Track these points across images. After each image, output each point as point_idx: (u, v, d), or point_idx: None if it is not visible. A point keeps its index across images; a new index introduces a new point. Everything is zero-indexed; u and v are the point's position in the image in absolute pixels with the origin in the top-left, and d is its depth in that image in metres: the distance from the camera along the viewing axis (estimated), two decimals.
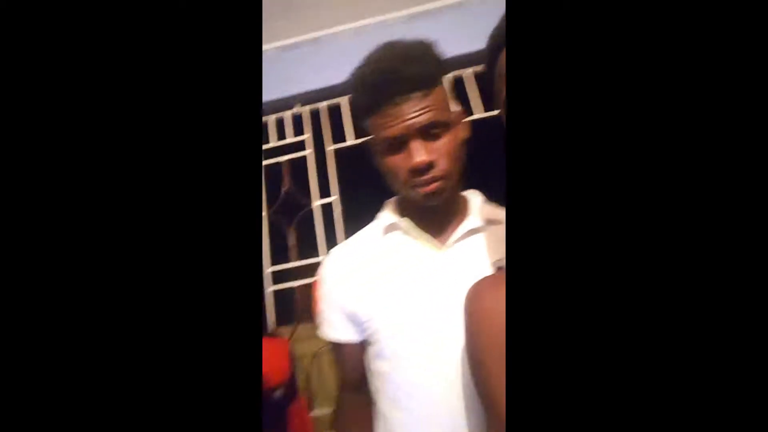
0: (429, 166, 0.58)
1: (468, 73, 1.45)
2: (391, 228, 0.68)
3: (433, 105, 0.58)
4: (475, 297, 0.44)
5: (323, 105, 1.49)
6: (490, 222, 0.66)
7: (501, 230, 0.63)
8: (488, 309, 0.42)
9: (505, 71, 0.42)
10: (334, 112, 1.50)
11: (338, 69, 1.46)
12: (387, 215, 0.70)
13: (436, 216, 0.66)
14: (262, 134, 1.51)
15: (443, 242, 0.65)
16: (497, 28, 0.46)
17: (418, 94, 0.57)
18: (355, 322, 0.66)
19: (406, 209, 0.69)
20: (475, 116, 1.41)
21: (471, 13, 1.46)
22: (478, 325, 0.43)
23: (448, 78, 1.32)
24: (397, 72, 0.57)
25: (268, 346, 0.77)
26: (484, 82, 1.42)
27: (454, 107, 0.64)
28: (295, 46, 1.54)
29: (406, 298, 0.63)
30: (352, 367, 0.69)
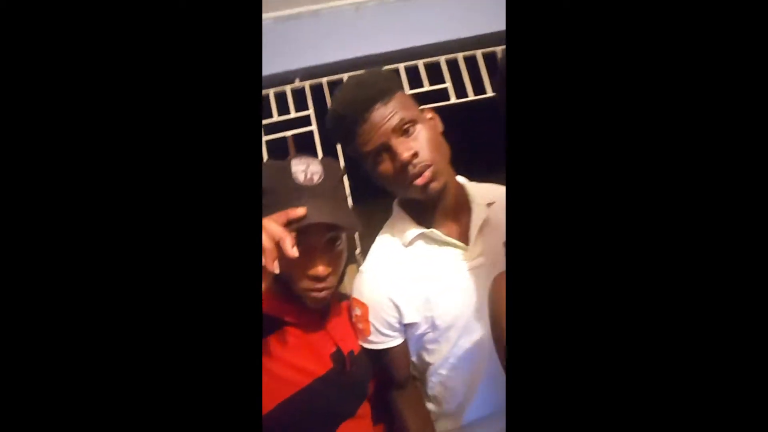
0: (414, 156, 0.64)
1: (460, 56, 1.54)
2: (418, 239, 0.73)
3: (397, 108, 0.66)
4: (494, 286, 0.52)
5: (324, 80, 1.51)
6: (489, 204, 0.75)
7: (501, 209, 0.71)
8: (502, 298, 0.48)
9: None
10: (336, 87, 1.52)
11: (339, 45, 1.49)
12: (410, 228, 0.73)
13: (447, 213, 0.73)
14: (261, 137, 1.51)
15: (466, 242, 0.72)
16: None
17: (380, 104, 0.65)
18: (401, 327, 0.73)
19: (414, 209, 0.74)
20: (469, 98, 1.52)
21: None
22: (495, 312, 0.50)
23: (442, 60, 1.41)
24: (357, 96, 0.66)
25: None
26: (475, 66, 1.52)
27: (417, 107, 0.71)
28: (295, 17, 1.53)
29: (445, 293, 0.71)
30: (401, 366, 0.76)
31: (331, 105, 0.71)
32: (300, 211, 0.58)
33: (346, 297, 0.82)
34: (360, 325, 0.74)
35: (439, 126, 0.72)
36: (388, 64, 1.49)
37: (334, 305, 0.77)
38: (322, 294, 0.66)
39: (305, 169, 0.64)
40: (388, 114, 0.65)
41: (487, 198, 0.76)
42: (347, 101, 0.67)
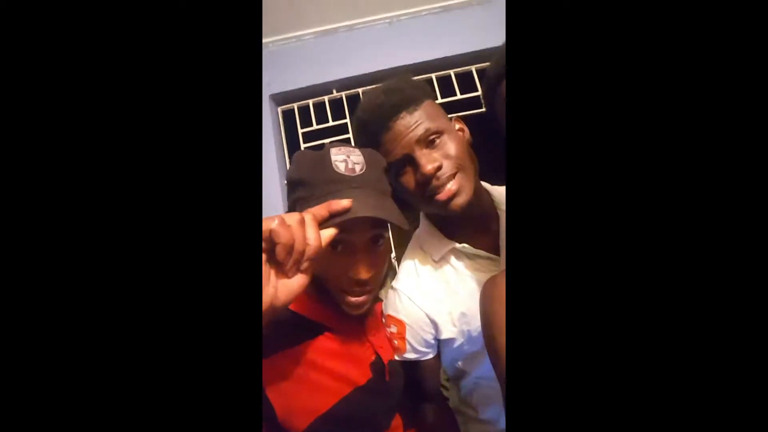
0: (438, 169, 0.61)
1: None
2: (449, 254, 0.71)
3: (423, 117, 0.62)
4: (485, 291, 0.53)
5: (360, 90, 1.59)
6: None
7: None
8: (493, 298, 0.50)
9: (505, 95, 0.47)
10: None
11: (373, 57, 1.57)
12: (439, 243, 0.71)
13: (475, 224, 0.70)
14: (261, 141, 1.59)
15: (496, 252, 0.69)
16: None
17: (406, 113, 0.62)
18: (436, 342, 0.72)
19: (442, 220, 0.71)
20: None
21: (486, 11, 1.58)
22: (487, 311, 0.51)
23: (473, 69, 1.42)
24: (383, 103, 0.63)
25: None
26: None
27: (446, 116, 0.68)
28: (332, 32, 1.62)
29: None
30: (432, 377, 0.76)
31: (357, 111, 0.68)
32: (344, 203, 0.49)
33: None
34: (396, 342, 0.72)
35: (468, 137, 0.70)
36: (420, 74, 1.55)
37: (372, 310, 0.71)
38: (362, 298, 0.60)
39: (346, 158, 0.57)
40: (413, 123, 0.62)
41: None
42: (372, 108, 0.64)
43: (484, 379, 0.75)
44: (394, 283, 0.75)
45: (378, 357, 0.67)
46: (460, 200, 0.63)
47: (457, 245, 0.70)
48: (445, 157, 0.62)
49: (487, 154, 0.78)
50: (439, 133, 0.63)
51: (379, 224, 0.58)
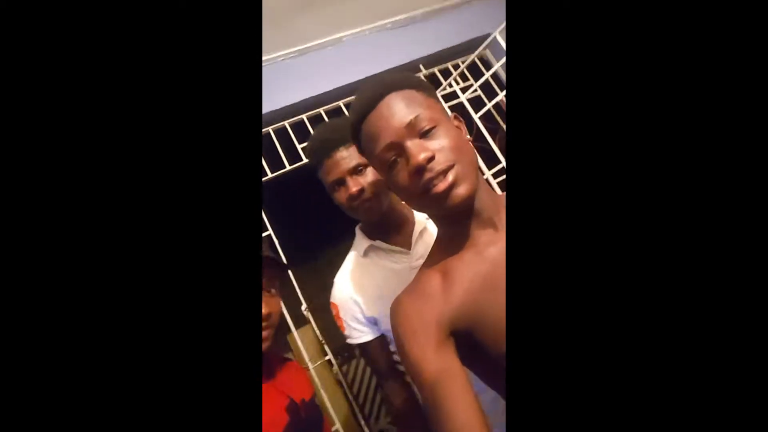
0: (361, 191, 0.84)
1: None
2: (369, 250, 0.94)
3: (356, 152, 0.83)
4: (394, 310, 0.59)
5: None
6: (428, 217, 0.89)
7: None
8: (402, 316, 0.57)
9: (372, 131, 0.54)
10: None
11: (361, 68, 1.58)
12: (362, 240, 0.94)
13: (393, 227, 0.92)
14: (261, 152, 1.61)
15: (408, 247, 0.91)
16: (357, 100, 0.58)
17: (343, 148, 0.85)
18: (372, 322, 0.91)
19: (369, 228, 0.94)
20: None
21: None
22: (398, 328, 0.57)
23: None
24: (329, 138, 0.86)
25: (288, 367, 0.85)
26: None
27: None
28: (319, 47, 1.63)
29: (396, 289, 0.74)
30: (383, 358, 0.91)
31: (309, 140, 0.93)
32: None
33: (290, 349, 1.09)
34: (337, 323, 0.95)
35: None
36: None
37: (278, 360, 0.84)
38: (264, 333, 0.71)
39: None
40: (347, 156, 0.84)
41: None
42: (320, 139, 0.87)
43: None
44: (334, 278, 0.97)
45: (291, 399, 0.75)
46: (371, 208, 0.88)
47: (374, 242, 0.93)
48: (366, 181, 0.84)
49: None
50: (366, 165, 0.84)
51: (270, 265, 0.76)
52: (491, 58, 1.72)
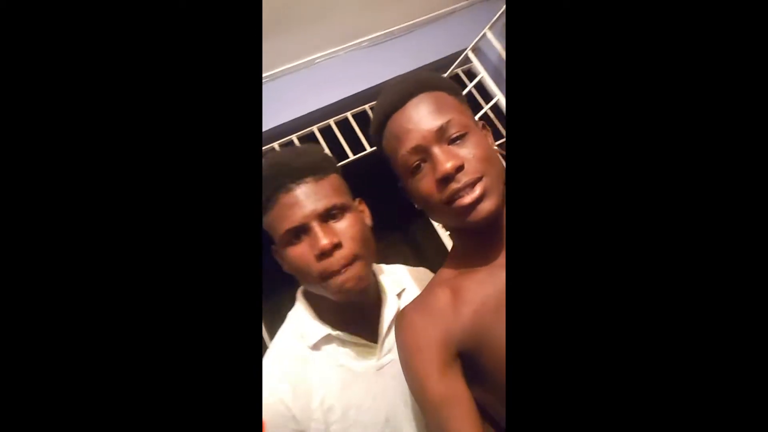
0: (336, 247, 0.56)
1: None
2: (323, 342, 0.63)
3: (328, 188, 0.58)
4: (399, 324, 0.55)
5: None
6: (400, 294, 0.70)
7: (411, 295, 0.68)
8: (408, 331, 0.53)
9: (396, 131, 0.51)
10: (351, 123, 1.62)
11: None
12: (314, 328, 0.63)
13: (355, 308, 0.63)
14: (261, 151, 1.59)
15: (374, 338, 0.64)
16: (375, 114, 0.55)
17: (311, 178, 0.58)
18: None
19: (320, 301, 0.63)
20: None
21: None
22: (403, 344, 0.53)
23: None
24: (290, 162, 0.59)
25: None
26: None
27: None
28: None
29: (353, 399, 0.60)
30: None
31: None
32: None
33: None
34: None
35: (367, 218, 0.66)
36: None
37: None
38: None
39: None
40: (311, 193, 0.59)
41: (398, 287, 0.72)
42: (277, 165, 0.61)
43: None
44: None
45: None
46: (354, 283, 0.58)
47: (333, 332, 0.62)
48: (343, 233, 0.58)
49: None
50: (344, 209, 0.60)
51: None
52: (479, 67, 1.68)
